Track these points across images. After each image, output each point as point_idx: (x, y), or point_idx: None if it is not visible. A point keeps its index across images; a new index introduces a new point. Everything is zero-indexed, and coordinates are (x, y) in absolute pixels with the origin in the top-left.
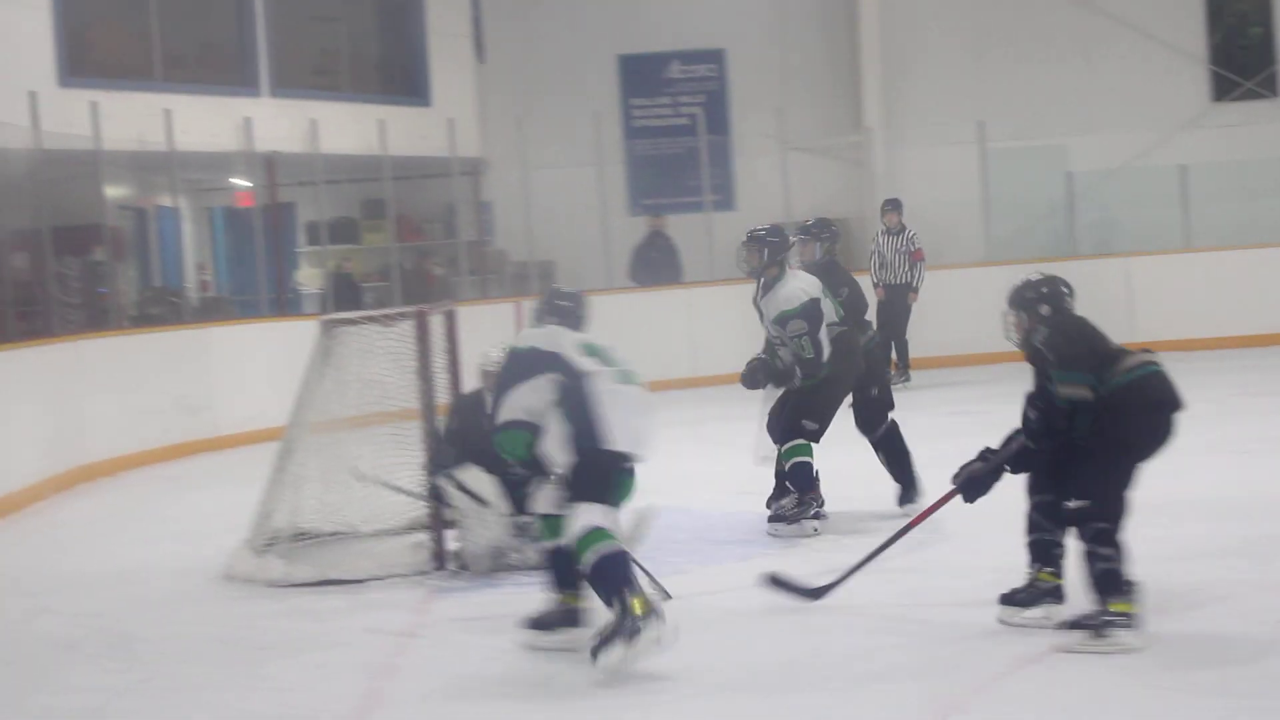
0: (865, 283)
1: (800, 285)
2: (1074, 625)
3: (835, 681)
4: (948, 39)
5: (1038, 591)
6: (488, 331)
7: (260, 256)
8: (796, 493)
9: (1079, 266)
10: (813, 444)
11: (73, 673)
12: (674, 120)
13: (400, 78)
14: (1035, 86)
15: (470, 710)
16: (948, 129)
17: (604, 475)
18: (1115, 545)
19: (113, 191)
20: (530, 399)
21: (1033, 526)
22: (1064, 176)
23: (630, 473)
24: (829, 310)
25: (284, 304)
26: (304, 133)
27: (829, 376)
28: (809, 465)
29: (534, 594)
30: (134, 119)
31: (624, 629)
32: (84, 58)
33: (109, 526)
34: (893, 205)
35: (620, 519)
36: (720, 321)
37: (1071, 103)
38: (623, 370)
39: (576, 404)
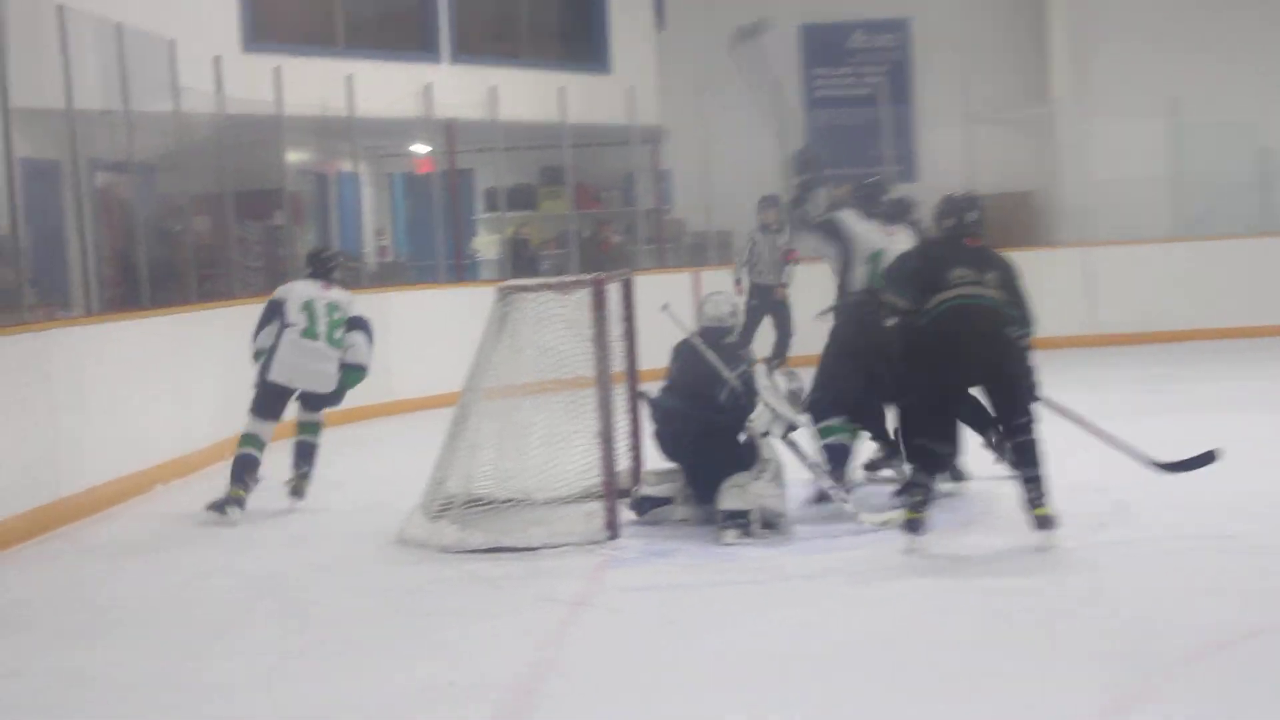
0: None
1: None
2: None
3: (1019, 660)
4: (1139, 9)
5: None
6: (663, 300)
7: (438, 223)
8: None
9: (1273, 244)
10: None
11: (245, 634)
12: (856, 90)
13: (580, 45)
14: (1229, 60)
15: (639, 680)
16: (1137, 102)
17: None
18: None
19: (294, 156)
20: None
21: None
22: (1258, 152)
23: None
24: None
25: (461, 270)
26: (483, 100)
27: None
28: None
29: (706, 567)
30: (316, 85)
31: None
32: (267, 24)
33: (283, 490)
34: (770, 202)
35: None
36: None
37: (1267, 78)
38: None
39: None
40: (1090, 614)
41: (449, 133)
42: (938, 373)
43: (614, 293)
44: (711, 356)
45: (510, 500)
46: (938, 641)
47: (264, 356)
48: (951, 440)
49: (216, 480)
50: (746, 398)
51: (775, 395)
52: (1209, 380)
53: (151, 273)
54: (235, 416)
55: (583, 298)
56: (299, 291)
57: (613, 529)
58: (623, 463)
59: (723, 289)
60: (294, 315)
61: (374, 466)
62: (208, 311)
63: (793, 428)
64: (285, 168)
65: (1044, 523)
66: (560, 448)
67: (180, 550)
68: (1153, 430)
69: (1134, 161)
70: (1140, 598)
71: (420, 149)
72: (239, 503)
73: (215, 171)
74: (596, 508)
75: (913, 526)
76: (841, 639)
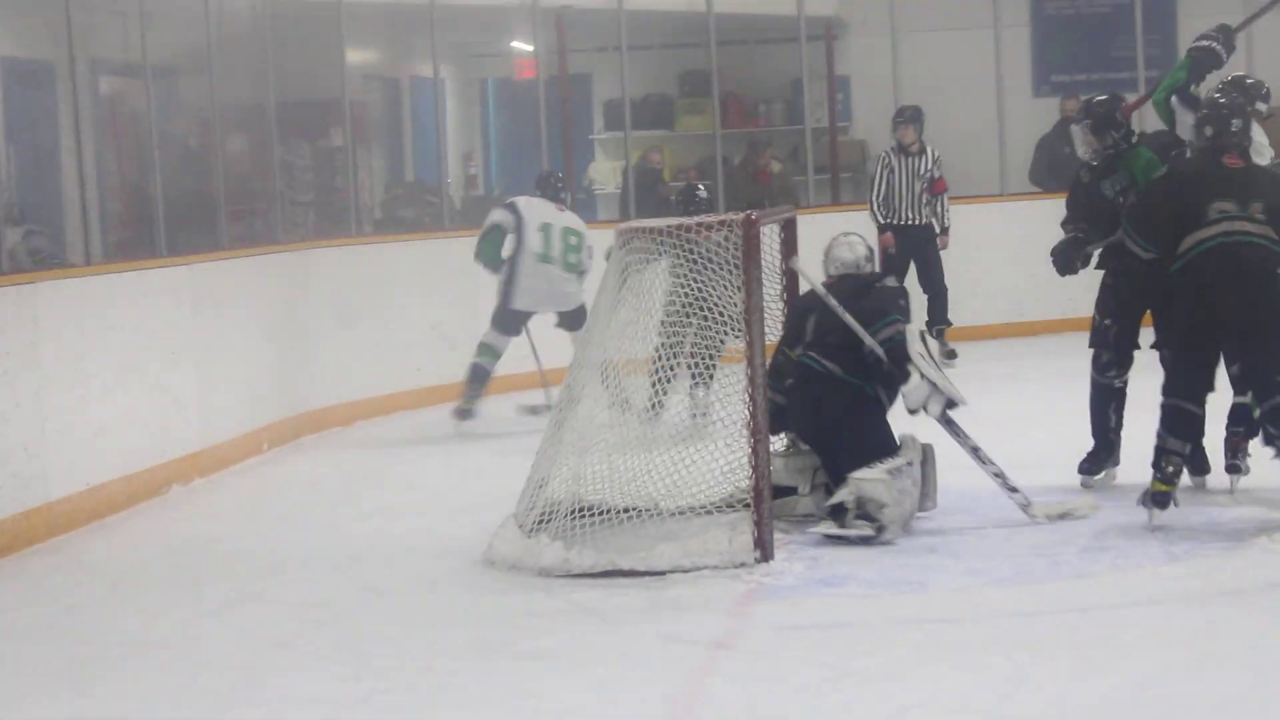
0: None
1: None
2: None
3: None
4: None
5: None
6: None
7: (545, 145)
8: None
9: None
10: None
11: (285, 678)
12: None
13: None
14: None
15: None
16: None
17: None
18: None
19: (356, 57)
20: None
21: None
22: None
23: None
24: None
25: (574, 207)
26: None
27: None
28: None
29: (887, 599)
30: None
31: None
32: None
33: (338, 492)
34: (910, 115)
35: None
36: None
37: None
38: None
39: None
40: None
41: (559, 26)
42: (1194, 328)
43: (771, 237)
44: (846, 316)
45: (630, 510)
46: (1187, 705)
47: (501, 274)
48: (1204, 403)
49: (249, 478)
50: (895, 366)
51: (931, 364)
52: None
53: (170, 209)
54: (275, 397)
55: (731, 243)
56: (537, 211)
57: (764, 549)
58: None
59: (855, 230)
60: (531, 236)
61: (455, 464)
62: (242, 260)
63: (953, 405)
64: (345, 71)
65: None
66: (700, 440)
67: (203, 569)
68: None
69: None
70: None
71: (522, 47)
72: (468, 414)
73: (254, 77)
74: (743, 520)
75: (1161, 501)
76: (1062, 703)
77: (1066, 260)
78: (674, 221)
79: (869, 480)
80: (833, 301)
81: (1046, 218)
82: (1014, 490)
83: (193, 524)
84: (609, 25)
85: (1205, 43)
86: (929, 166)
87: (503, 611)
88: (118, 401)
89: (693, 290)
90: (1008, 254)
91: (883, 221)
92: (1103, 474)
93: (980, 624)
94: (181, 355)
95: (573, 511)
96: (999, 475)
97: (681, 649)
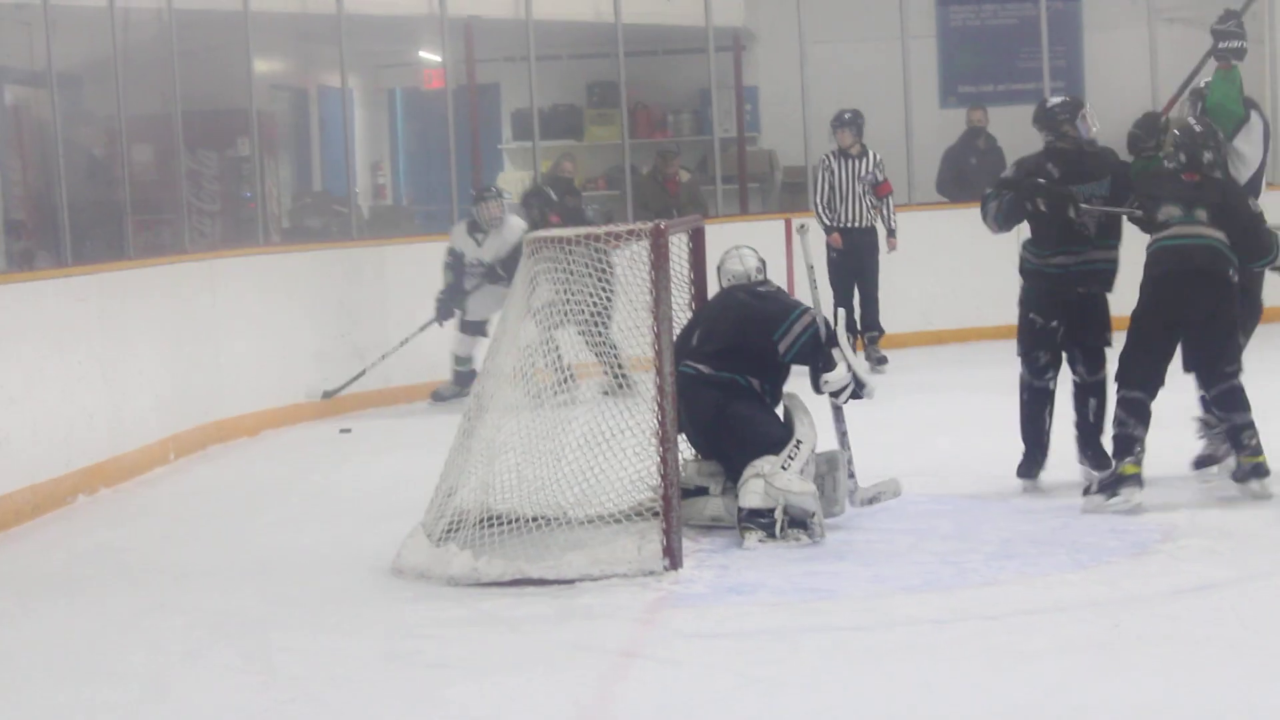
0: None
1: None
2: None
3: None
4: None
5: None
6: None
7: (453, 155)
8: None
9: None
10: None
11: (194, 689)
12: None
13: None
14: None
15: None
16: None
17: None
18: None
19: (264, 67)
20: None
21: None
22: None
23: None
24: None
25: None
26: None
27: None
28: None
29: (796, 606)
30: None
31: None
32: None
33: (246, 502)
34: (849, 119)
35: None
36: None
37: None
38: None
39: None
40: None
41: (467, 36)
42: (1146, 322)
43: (679, 247)
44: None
45: (539, 519)
46: (1093, 711)
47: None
48: (1153, 395)
49: (156, 488)
50: (813, 356)
51: (850, 353)
52: None
53: (75, 219)
54: (182, 407)
55: (639, 253)
56: (471, 251)
57: (673, 556)
58: (687, 470)
59: (746, 243)
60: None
61: (362, 474)
62: (149, 270)
63: (859, 395)
64: (253, 81)
65: (1259, 471)
66: (606, 451)
67: (109, 580)
68: None
69: None
70: None
71: (430, 57)
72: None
73: (160, 86)
74: (652, 529)
75: (1137, 481)
76: (972, 709)
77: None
78: (582, 231)
79: (795, 493)
80: (815, 278)
81: (953, 228)
82: (850, 477)
83: (99, 534)
84: (517, 35)
85: (1236, 43)
86: (870, 169)
87: (411, 621)
88: (23, 411)
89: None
90: (916, 263)
91: (828, 224)
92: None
93: (889, 631)
94: (87, 365)
95: (481, 520)
96: (849, 462)
97: (591, 657)
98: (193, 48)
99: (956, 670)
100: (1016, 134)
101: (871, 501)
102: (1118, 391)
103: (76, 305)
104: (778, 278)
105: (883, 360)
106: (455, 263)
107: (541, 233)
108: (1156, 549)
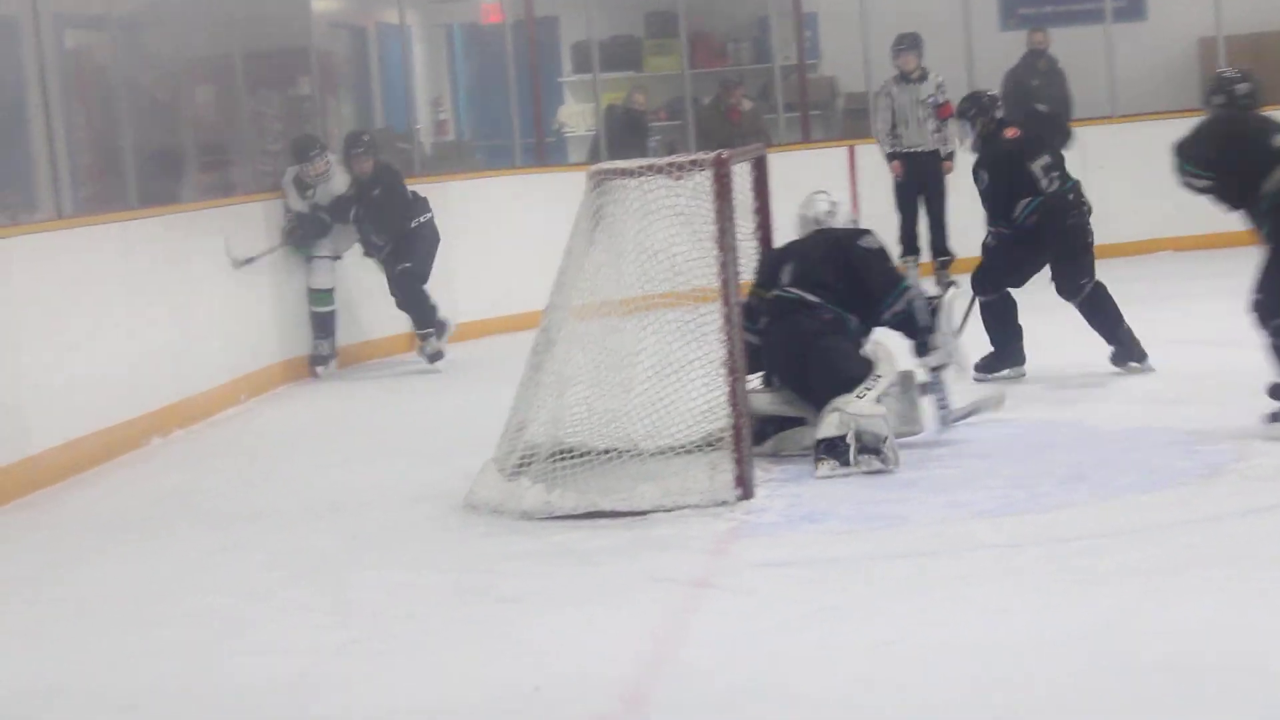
0: None
1: None
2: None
3: None
4: None
5: None
6: (810, 183)
7: (513, 89)
8: None
9: None
10: None
11: (267, 629)
12: None
13: None
14: None
15: (780, 683)
16: None
17: None
18: None
19: (323, 5)
20: None
21: None
22: None
23: None
24: None
25: (543, 151)
26: None
27: None
28: None
29: (869, 534)
30: None
31: None
32: None
33: (314, 441)
34: (910, 42)
35: None
36: (1123, 171)
37: None
38: None
39: None
40: None
41: None
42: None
43: (742, 176)
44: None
45: (610, 451)
46: (1163, 632)
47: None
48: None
49: (227, 429)
50: (908, 334)
51: (948, 317)
52: None
53: (139, 162)
54: (251, 348)
55: (702, 183)
56: None
57: (745, 486)
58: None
59: (822, 187)
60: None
61: (433, 410)
62: (214, 211)
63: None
64: (312, 20)
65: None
66: (675, 382)
67: (183, 521)
68: None
69: None
70: None
71: None
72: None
73: (221, 28)
74: (724, 459)
75: None
76: (1043, 632)
77: None
78: (646, 163)
79: (866, 416)
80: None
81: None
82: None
83: (172, 476)
84: None
85: None
86: (932, 92)
87: (484, 555)
88: (94, 355)
89: (667, 231)
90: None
91: (890, 150)
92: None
93: (960, 556)
94: (157, 307)
95: (553, 454)
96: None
97: (663, 588)
98: None
99: (1028, 594)
100: (1077, 55)
101: (969, 416)
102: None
103: (142, 248)
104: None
105: (952, 284)
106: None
107: (606, 164)
108: (1229, 469)
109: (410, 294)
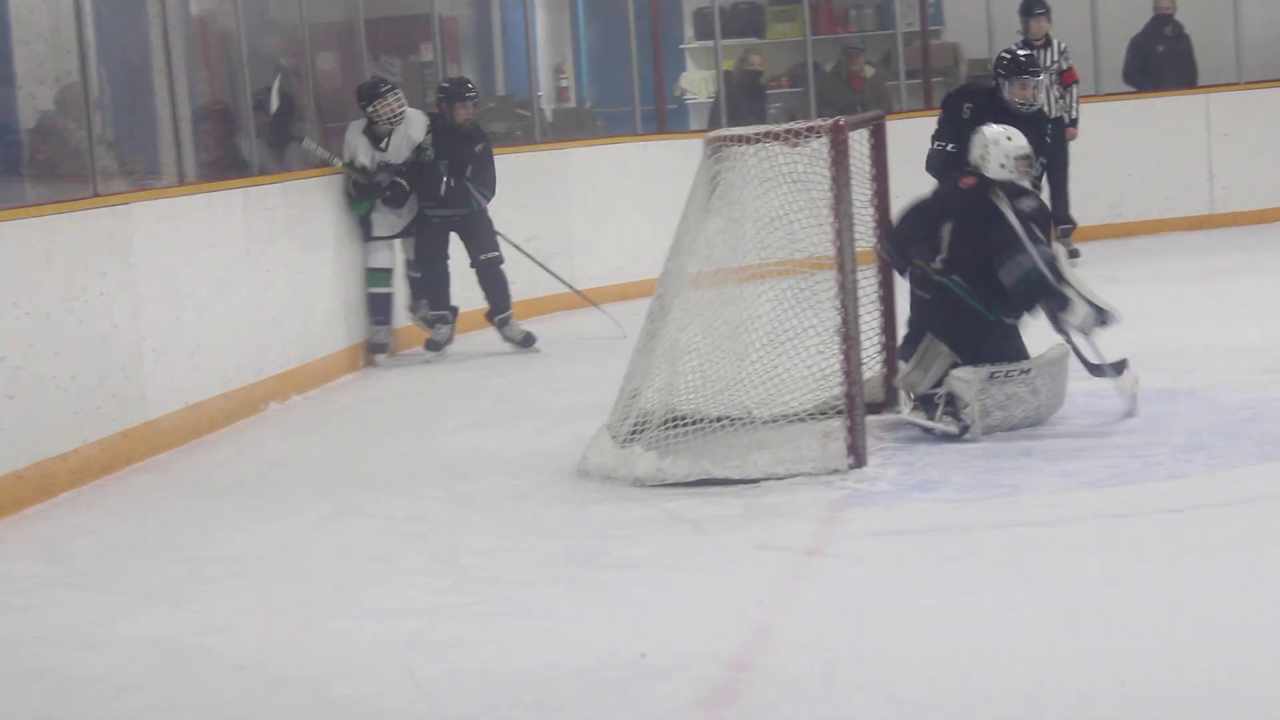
0: None
1: None
2: None
3: None
4: None
5: None
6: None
7: (635, 56)
8: None
9: None
10: None
11: (383, 591)
12: None
13: None
14: None
15: (891, 651)
16: None
17: None
18: None
19: None
20: None
21: None
22: None
23: None
24: None
25: (664, 118)
26: None
27: None
28: None
29: (981, 503)
30: None
31: None
32: None
33: (429, 407)
34: (1041, 8)
35: None
36: (1248, 139)
37: None
38: None
39: None
40: None
41: None
42: None
43: (861, 143)
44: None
45: (723, 419)
46: (1276, 600)
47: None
48: None
49: (345, 395)
50: (1021, 303)
51: (1082, 281)
52: None
53: (262, 128)
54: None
55: (819, 150)
56: None
57: (857, 454)
58: (872, 367)
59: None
60: None
61: (546, 376)
62: (333, 178)
63: (1104, 323)
64: None
65: None
66: (789, 350)
67: (300, 485)
68: None
69: None
70: None
71: None
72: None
73: None
74: (837, 427)
75: None
76: (1154, 601)
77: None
78: (763, 129)
79: (961, 379)
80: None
81: (1141, 118)
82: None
83: (290, 440)
84: None
85: None
86: (1056, 58)
87: (596, 522)
88: (214, 320)
89: (784, 197)
90: (1104, 154)
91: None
92: None
93: (1073, 526)
94: (276, 273)
95: (666, 421)
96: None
97: (775, 556)
98: None
99: (1139, 564)
100: (1204, 21)
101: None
102: None
103: (264, 214)
104: None
105: (1075, 254)
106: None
107: (723, 131)
108: None
109: (499, 275)
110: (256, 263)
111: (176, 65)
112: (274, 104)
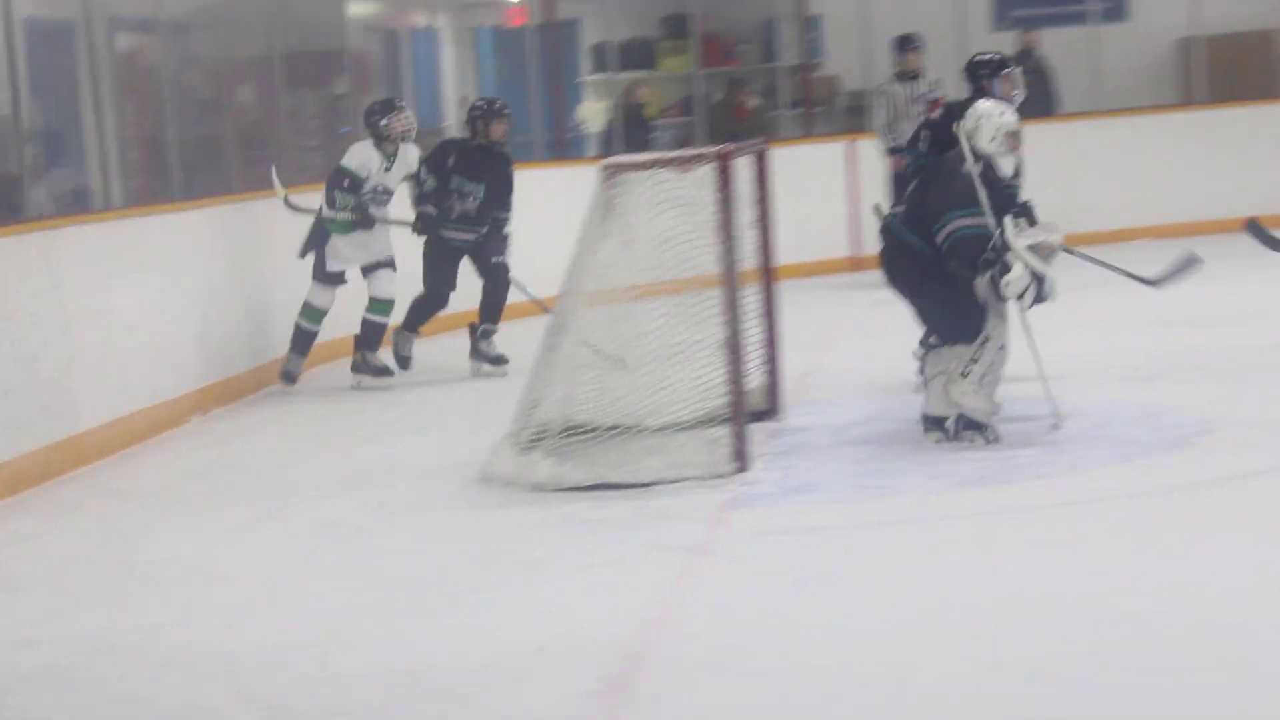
0: None
1: None
2: None
3: None
4: None
5: None
6: (810, 176)
7: (535, 88)
8: None
9: None
10: None
11: (298, 592)
12: None
13: None
14: None
15: (769, 642)
16: None
17: None
18: None
19: (357, 9)
20: None
21: None
22: None
23: None
24: None
25: (562, 145)
26: None
27: None
28: None
29: (856, 505)
30: None
31: None
32: None
33: (343, 420)
34: (919, 42)
35: None
36: (1106, 166)
37: None
38: None
39: None
40: None
41: None
42: None
43: (745, 169)
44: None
45: (617, 427)
46: (1131, 592)
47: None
48: None
49: (263, 407)
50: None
51: (1030, 252)
52: None
53: (185, 156)
54: (284, 332)
55: (707, 176)
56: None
57: (742, 460)
58: (755, 378)
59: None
60: None
61: (452, 389)
62: (254, 203)
63: (1043, 298)
64: (347, 23)
65: None
66: (679, 362)
67: (224, 493)
68: None
69: None
70: None
71: None
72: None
73: (262, 30)
74: (723, 434)
75: None
76: (1016, 594)
77: None
78: (655, 157)
79: (969, 408)
80: (975, 171)
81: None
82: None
83: (212, 451)
84: None
85: None
86: (927, 89)
87: (499, 525)
88: (142, 338)
89: (673, 220)
90: None
91: (890, 145)
92: None
93: (942, 524)
94: (198, 293)
95: (564, 430)
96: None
97: (665, 555)
98: None
99: (1003, 559)
100: (1065, 55)
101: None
102: None
103: (186, 237)
104: (836, 196)
105: None
106: (354, 186)
107: (618, 158)
108: (1194, 442)
109: (506, 283)
110: (179, 284)
111: (104, 98)
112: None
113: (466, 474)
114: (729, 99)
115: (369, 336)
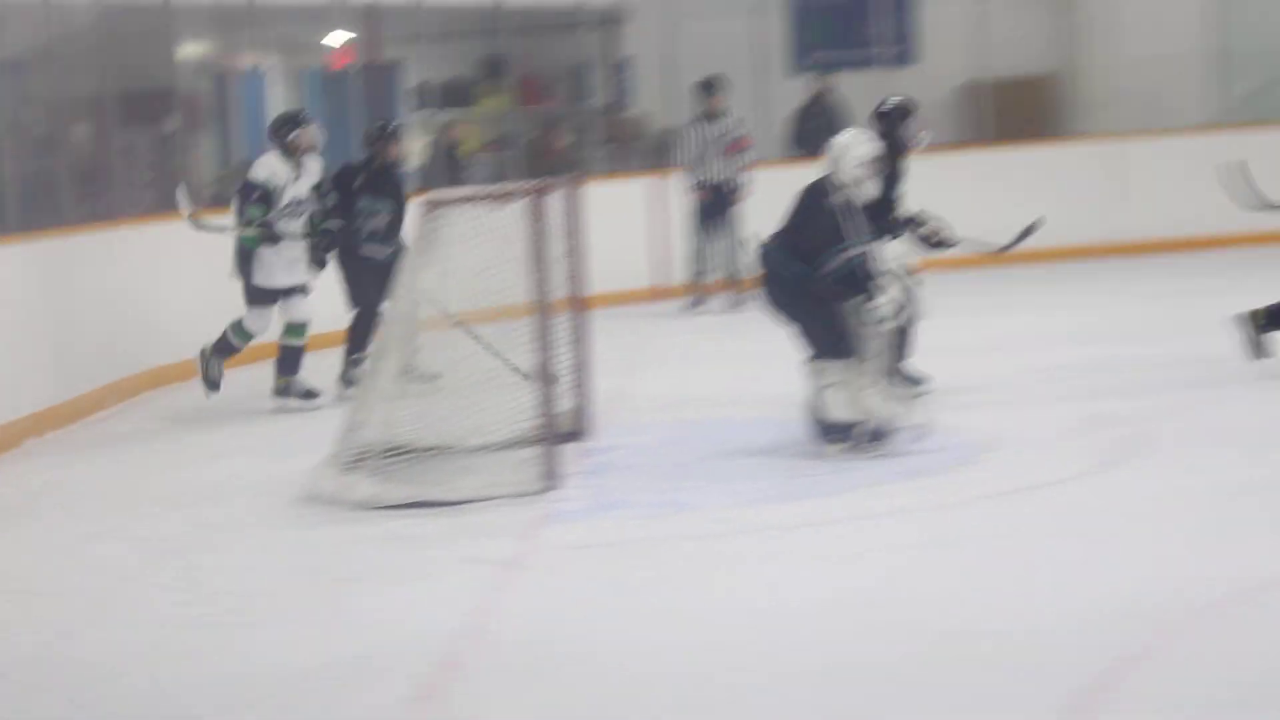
0: None
1: None
2: None
3: None
4: None
5: None
6: (619, 210)
7: (359, 126)
8: None
9: None
10: None
11: (129, 607)
12: None
13: None
14: None
15: (577, 649)
16: None
17: None
18: None
19: (187, 51)
20: None
21: None
22: None
23: None
24: None
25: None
26: None
27: None
28: None
29: (660, 520)
30: None
31: None
32: None
33: (177, 440)
34: (722, 84)
35: None
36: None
37: None
38: None
39: None
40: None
41: (370, 19)
42: None
43: (555, 203)
44: (843, 217)
45: (435, 448)
46: (914, 599)
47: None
48: None
49: (100, 430)
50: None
51: (899, 278)
52: (1251, 294)
53: (19, 191)
54: (120, 358)
55: (520, 210)
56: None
57: (551, 478)
58: (565, 402)
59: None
60: None
61: (277, 411)
62: (87, 236)
63: (910, 323)
64: (177, 64)
65: None
66: (494, 386)
67: (54, 513)
68: (1177, 354)
69: (1170, 37)
70: None
71: (337, 38)
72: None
73: (94, 69)
74: (534, 454)
75: None
76: (805, 601)
77: None
78: (472, 191)
79: (885, 405)
80: (839, 197)
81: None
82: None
83: (47, 473)
84: (415, 17)
85: None
86: (726, 130)
87: (322, 541)
88: None
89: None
90: (770, 214)
91: (696, 181)
92: None
93: (739, 538)
94: (33, 321)
95: (384, 451)
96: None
97: (479, 569)
98: (123, 33)
99: (795, 569)
100: (857, 96)
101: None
102: None
103: (22, 268)
104: (638, 231)
105: (740, 304)
106: (266, 198)
107: (440, 194)
108: (976, 459)
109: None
110: (17, 311)
111: None
112: (185, 206)
113: (292, 493)
114: (542, 137)
115: (289, 361)
